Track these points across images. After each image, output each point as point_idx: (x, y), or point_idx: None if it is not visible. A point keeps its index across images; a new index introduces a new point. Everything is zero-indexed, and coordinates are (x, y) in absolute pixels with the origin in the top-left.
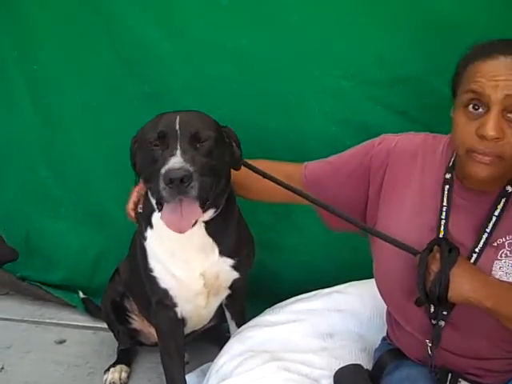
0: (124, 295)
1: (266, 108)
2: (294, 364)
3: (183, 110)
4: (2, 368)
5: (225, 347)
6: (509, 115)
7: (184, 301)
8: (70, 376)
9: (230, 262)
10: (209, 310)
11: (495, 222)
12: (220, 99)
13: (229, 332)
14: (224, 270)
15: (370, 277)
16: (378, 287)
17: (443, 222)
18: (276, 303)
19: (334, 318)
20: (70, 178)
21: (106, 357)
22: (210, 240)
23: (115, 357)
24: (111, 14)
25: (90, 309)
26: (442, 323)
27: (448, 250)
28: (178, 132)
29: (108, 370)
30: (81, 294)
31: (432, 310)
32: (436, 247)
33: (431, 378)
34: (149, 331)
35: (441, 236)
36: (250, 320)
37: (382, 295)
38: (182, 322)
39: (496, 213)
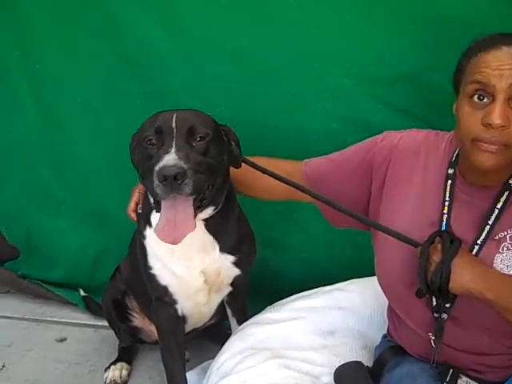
0: (125, 293)
1: (266, 107)
2: (295, 361)
3: (182, 108)
4: (3, 366)
5: (226, 345)
6: None
7: (184, 298)
8: (71, 374)
9: (231, 258)
10: (209, 308)
11: (497, 215)
12: (221, 98)
13: (230, 329)
14: (225, 267)
15: (372, 274)
16: (380, 282)
17: (445, 216)
18: (277, 301)
19: (335, 316)
20: (70, 177)
21: (107, 355)
22: (211, 237)
23: (116, 355)
24: (112, 14)
25: (91, 307)
26: (445, 316)
27: (449, 241)
28: (174, 130)
29: (109, 367)
30: (81, 292)
31: (434, 303)
32: (437, 238)
33: (432, 374)
34: (150, 329)
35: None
36: (251, 317)
37: (383, 290)
38: (183, 319)
39: (498, 206)
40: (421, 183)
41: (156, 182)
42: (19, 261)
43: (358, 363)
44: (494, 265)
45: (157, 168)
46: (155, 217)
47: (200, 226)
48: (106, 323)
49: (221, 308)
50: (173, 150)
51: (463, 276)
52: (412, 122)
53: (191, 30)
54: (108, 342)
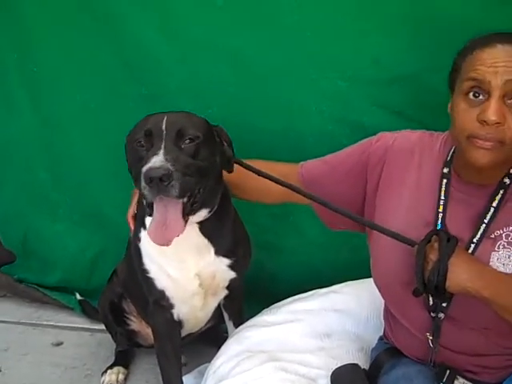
0: (122, 296)
1: (262, 109)
2: (292, 364)
3: (176, 110)
4: (0, 370)
5: (222, 348)
6: (509, 101)
7: (180, 302)
8: (68, 378)
9: (227, 261)
10: (206, 312)
11: (493, 213)
12: (216, 100)
13: (227, 333)
14: (220, 270)
15: (368, 276)
16: (376, 283)
17: (440, 215)
18: (273, 303)
19: (331, 318)
20: (67, 180)
21: (104, 359)
22: (205, 240)
23: (113, 359)
24: (109, 17)
25: (87, 311)
26: (442, 315)
27: (446, 239)
28: (164, 132)
29: (105, 371)
30: (78, 296)
31: (431, 302)
32: (434, 237)
33: (428, 376)
34: (146, 332)
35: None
36: (247, 320)
37: (380, 290)
38: (179, 324)
39: (494, 204)
40: (415, 183)
41: (143, 183)
42: (15, 265)
43: (354, 365)
44: (491, 263)
45: (143, 169)
46: (149, 219)
47: (194, 229)
48: (102, 327)
49: (217, 312)
50: (161, 152)
51: (460, 274)
52: (407, 124)
53: (187, 32)
54: (105, 346)
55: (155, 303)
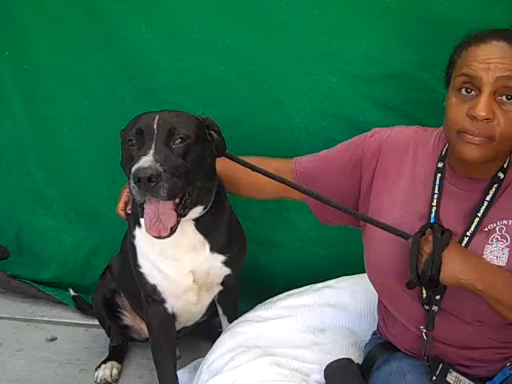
0: (115, 291)
1: (256, 105)
2: (286, 359)
3: (170, 109)
4: None
5: (216, 343)
6: (500, 97)
7: (173, 297)
8: (62, 373)
9: (222, 258)
10: (200, 307)
11: (486, 207)
12: (211, 97)
13: (221, 327)
14: (215, 267)
15: (362, 272)
16: (370, 276)
17: (434, 208)
18: (268, 299)
19: (325, 313)
20: (61, 176)
21: (98, 354)
22: (201, 237)
23: (107, 354)
24: (103, 14)
25: (81, 306)
26: (435, 308)
27: (440, 232)
28: (155, 131)
29: (99, 366)
30: (71, 292)
31: (424, 295)
32: (429, 230)
33: (421, 371)
34: (140, 327)
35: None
36: (241, 315)
37: (373, 284)
38: (173, 317)
39: (488, 198)
40: (410, 177)
41: (132, 183)
42: (9, 261)
43: (348, 360)
44: (484, 256)
45: (132, 169)
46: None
47: (190, 226)
48: (96, 322)
49: (212, 306)
50: (151, 152)
51: (454, 267)
52: (401, 120)
53: (181, 29)
54: (98, 342)
55: (148, 298)
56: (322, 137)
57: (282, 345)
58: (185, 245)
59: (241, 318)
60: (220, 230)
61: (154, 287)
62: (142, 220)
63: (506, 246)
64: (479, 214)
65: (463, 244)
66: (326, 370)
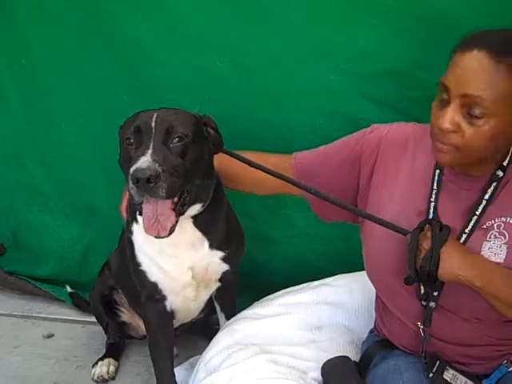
0: (113, 288)
1: (254, 102)
2: (283, 356)
3: (168, 106)
4: None
5: (213, 340)
6: (467, 110)
7: (173, 293)
8: (59, 370)
9: (220, 254)
10: (198, 303)
11: (485, 205)
12: (209, 94)
13: (218, 324)
14: (214, 263)
15: (361, 269)
16: (368, 272)
17: (432, 204)
18: (265, 296)
19: (323, 311)
20: (58, 173)
21: (95, 351)
22: (200, 234)
23: (104, 351)
24: (102, 10)
25: (78, 303)
26: (433, 304)
27: (439, 228)
28: (153, 130)
29: (96, 363)
30: (68, 289)
31: (422, 291)
32: (427, 226)
33: (418, 368)
34: (138, 324)
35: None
36: (238, 313)
37: (372, 281)
38: (171, 315)
39: (486, 196)
40: (409, 173)
41: (130, 183)
42: (6, 257)
43: (345, 358)
44: (482, 252)
45: (131, 170)
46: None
47: (188, 223)
48: (93, 319)
49: (209, 303)
50: (149, 151)
51: (452, 263)
52: (398, 117)
53: (179, 25)
54: (96, 338)
55: (148, 297)
56: (320, 133)
57: (279, 342)
58: (183, 242)
59: (238, 316)
60: (218, 227)
61: (155, 285)
62: (139, 216)
63: (504, 243)
64: (477, 213)
65: (461, 241)
66: (323, 367)
